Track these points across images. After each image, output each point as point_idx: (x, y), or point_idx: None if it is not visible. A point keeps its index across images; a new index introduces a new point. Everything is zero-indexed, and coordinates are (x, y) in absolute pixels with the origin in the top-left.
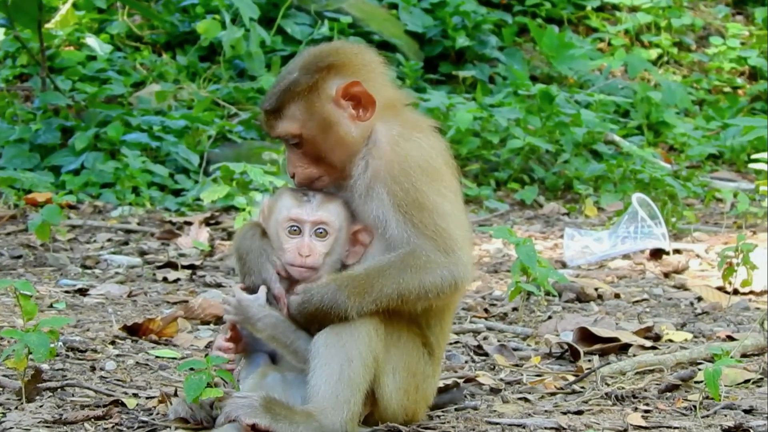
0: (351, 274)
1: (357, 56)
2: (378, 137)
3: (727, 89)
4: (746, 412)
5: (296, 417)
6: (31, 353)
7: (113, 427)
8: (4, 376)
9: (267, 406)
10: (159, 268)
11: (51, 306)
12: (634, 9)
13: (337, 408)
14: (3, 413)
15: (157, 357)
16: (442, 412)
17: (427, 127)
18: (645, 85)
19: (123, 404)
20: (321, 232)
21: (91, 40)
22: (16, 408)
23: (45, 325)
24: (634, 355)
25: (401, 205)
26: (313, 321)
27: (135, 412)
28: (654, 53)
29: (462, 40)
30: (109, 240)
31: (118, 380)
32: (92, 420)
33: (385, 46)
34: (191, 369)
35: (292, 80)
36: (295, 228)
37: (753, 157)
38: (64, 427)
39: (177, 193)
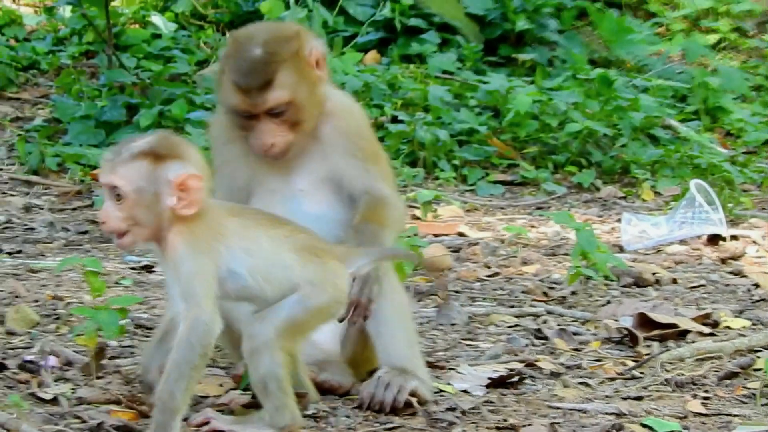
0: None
1: (303, 27)
2: (335, 99)
3: None
4: None
5: None
6: (101, 330)
7: None
8: (75, 352)
9: None
10: None
11: (117, 283)
12: None
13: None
14: (73, 389)
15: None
16: (502, 395)
17: None
18: (703, 71)
19: None
20: (117, 196)
21: (156, 19)
22: (85, 384)
23: (114, 303)
24: (693, 342)
25: (364, 158)
26: None
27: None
28: (712, 39)
29: (522, 23)
30: None
31: None
32: None
33: (445, 28)
34: None
35: (273, 52)
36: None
37: None
38: (134, 404)
39: None
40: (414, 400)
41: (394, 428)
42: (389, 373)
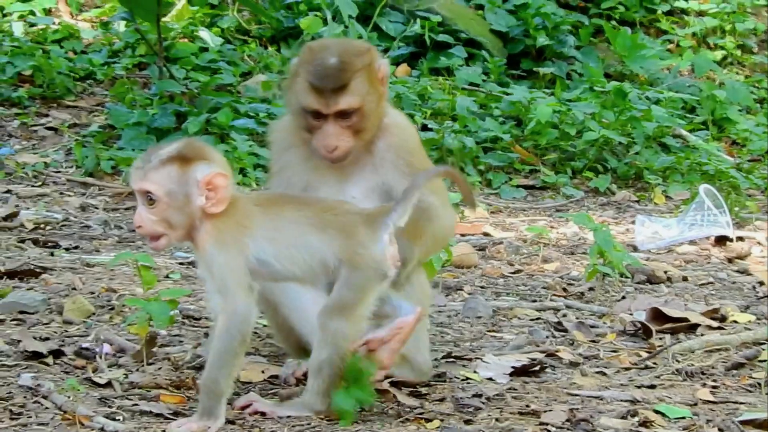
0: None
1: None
2: (391, 116)
3: None
4: None
5: None
6: (152, 320)
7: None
8: (127, 340)
9: None
10: None
11: (167, 276)
12: (701, 13)
13: None
14: (126, 374)
15: (264, 326)
16: (524, 383)
17: None
18: (710, 84)
19: None
20: (149, 201)
21: (203, 33)
22: (137, 370)
23: (165, 294)
24: (702, 335)
25: (413, 173)
26: None
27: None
28: (719, 54)
29: (542, 39)
30: None
31: None
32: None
33: (471, 43)
34: None
35: (348, 61)
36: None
37: None
38: (182, 389)
39: None
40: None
41: (423, 413)
42: None
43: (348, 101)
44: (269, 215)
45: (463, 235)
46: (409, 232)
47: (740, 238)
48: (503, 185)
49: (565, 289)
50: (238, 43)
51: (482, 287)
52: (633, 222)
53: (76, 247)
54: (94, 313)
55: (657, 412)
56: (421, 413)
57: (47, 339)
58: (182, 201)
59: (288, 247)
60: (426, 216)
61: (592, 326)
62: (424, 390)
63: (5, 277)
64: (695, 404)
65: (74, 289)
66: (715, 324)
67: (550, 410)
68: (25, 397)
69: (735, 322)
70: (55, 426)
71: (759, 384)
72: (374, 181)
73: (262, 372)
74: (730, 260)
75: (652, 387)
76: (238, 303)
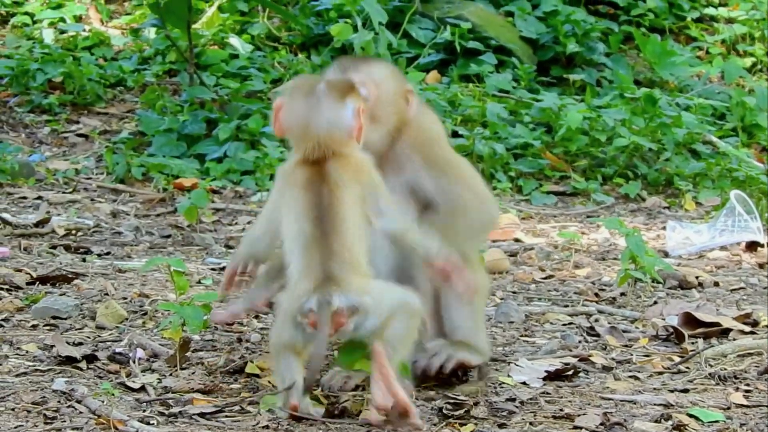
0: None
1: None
2: (415, 112)
3: None
4: None
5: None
6: (185, 325)
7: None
8: (160, 345)
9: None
10: None
11: (199, 282)
12: (730, 20)
13: None
14: (159, 379)
15: None
16: (558, 387)
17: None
18: (740, 91)
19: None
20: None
21: (234, 40)
22: (170, 374)
23: (198, 299)
24: (735, 339)
25: (435, 167)
26: None
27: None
28: (748, 61)
29: (572, 46)
30: (249, 222)
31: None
32: (242, 389)
33: (501, 50)
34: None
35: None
36: None
37: None
38: (215, 394)
39: None
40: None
41: (460, 417)
42: (438, 344)
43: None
44: None
45: (494, 241)
46: (441, 229)
47: None
48: (534, 191)
49: (597, 294)
50: (269, 49)
51: (514, 292)
52: (664, 228)
53: (107, 253)
54: (127, 318)
55: (690, 415)
56: (458, 417)
57: (80, 344)
58: None
59: None
60: (452, 209)
61: (624, 331)
62: (458, 394)
63: (38, 282)
64: (728, 408)
65: (107, 294)
66: (747, 329)
67: (584, 414)
68: (59, 401)
69: (767, 326)
70: (89, 430)
71: None
72: (400, 180)
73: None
74: (761, 266)
75: (686, 391)
76: None
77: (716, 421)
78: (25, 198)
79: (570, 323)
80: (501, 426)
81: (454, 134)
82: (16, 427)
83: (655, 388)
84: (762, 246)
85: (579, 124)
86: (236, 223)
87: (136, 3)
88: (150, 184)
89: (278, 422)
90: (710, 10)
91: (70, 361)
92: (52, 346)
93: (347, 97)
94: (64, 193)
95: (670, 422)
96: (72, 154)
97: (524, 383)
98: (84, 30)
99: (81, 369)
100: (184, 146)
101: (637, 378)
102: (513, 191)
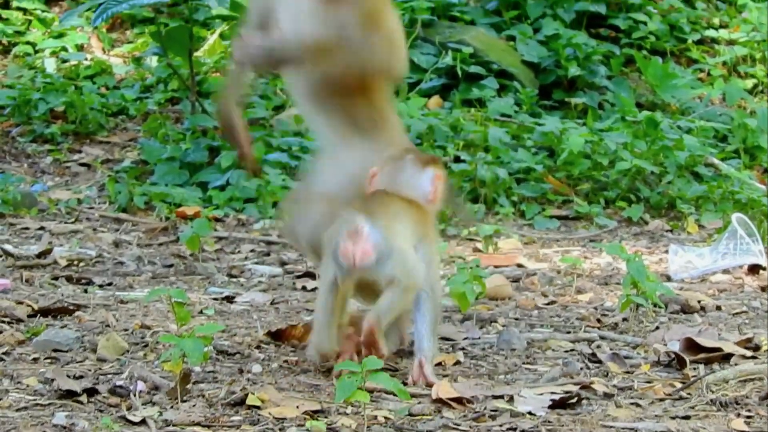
0: None
1: None
2: None
3: None
4: None
5: None
6: (186, 357)
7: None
8: (161, 377)
9: None
10: (298, 277)
11: (201, 312)
12: (731, 42)
13: None
14: (160, 412)
15: (302, 361)
16: (559, 414)
17: None
18: (741, 113)
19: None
20: None
21: None
22: (171, 407)
23: (199, 331)
24: (736, 364)
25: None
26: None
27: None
28: (750, 83)
29: (574, 70)
30: (252, 251)
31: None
32: (243, 421)
33: (503, 75)
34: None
35: None
36: None
37: None
38: (215, 425)
39: None
40: None
41: None
42: None
43: None
44: None
45: (497, 266)
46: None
47: None
48: (536, 216)
49: (599, 320)
50: (271, 76)
51: (516, 319)
52: (666, 251)
53: (109, 284)
54: (128, 350)
55: None
56: None
57: (81, 377)
58: None
59: None
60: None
61: (626, 357)
62: (461, 422)
63: (39, 315)
64: None
65: (108, 326)
66: (748, 353)
67: None
68: None
69: None
70: None
71: None
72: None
73: (297, 407)
74: (763, 289)
75: (687, 418)
76: None
77: None
78: (27, 228)
79: (572, 350)
80: None
81: (457, 159)
82: None
83: (656, 415)
84: (764, 269)
85: (581, 148)
86: (239, 252)
87: (138, 31)
88: (153, 213)
89: None
90: (711, 32)
91: (70, 395)
92: (53, 380)
93: (428, 166)
94: (66, 223)
95: None
96: (74, 183)
97: (530, 413)
98: (86, 59)
99: (81, 403)
100: (187, 174)
101: (638, 405)
102: (516, 216)
